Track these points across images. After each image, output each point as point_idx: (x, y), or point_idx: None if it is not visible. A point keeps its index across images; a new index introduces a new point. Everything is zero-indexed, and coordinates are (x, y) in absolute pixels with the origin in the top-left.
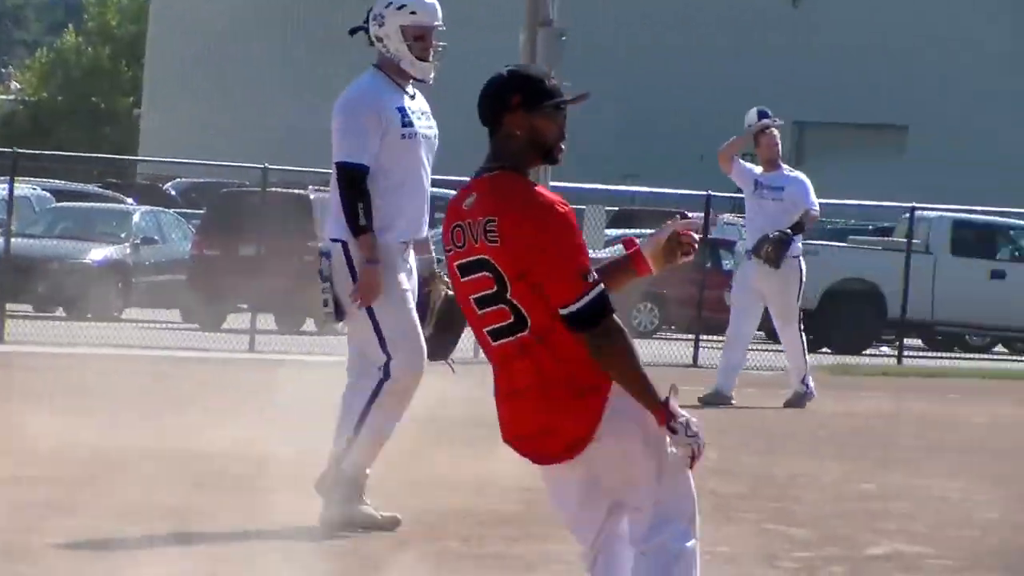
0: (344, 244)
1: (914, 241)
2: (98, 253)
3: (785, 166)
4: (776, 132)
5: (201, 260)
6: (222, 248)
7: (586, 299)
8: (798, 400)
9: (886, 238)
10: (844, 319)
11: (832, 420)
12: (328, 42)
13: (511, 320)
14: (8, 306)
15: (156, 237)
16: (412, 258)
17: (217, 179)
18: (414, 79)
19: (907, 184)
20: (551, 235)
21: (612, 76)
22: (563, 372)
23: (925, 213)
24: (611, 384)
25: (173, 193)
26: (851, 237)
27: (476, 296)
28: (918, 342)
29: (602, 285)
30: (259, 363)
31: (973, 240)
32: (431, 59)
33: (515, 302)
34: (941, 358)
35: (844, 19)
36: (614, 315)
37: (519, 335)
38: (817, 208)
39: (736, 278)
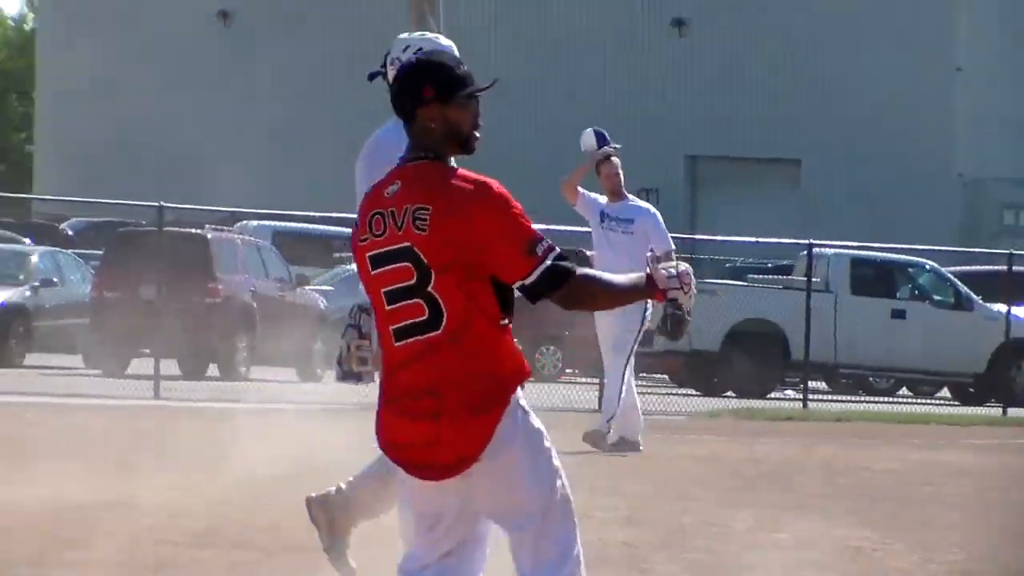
0: None
1: (814, 280)
2: None
3: (630, 196)
4: (617, 160)
5: (102, 303)
6: (123, 290)
7: (539, 271)
8: (597, 438)
9: (786, 277)
10: (747, 362)
11: (741, 466)
12: (220, 74)
13: (424, 317)
14: None
15: (55, 279)
16: None
17: (114, 218)
18: None
19: (801, 218)
20: (493, 215)
21: (527, 118)
22: (466, 381)
23: (823, 250)
24: (506, 406)
25: (70, 233)
26: (750, 276)
27: (389, 289)
28: (823, 384)
29: (556, 250)
30: (165, 410)
31: (873, 278)
32: None
33: (435, 295)
34: (846, 401)
35: (732, 51)
36: (576, 273)
37: (429, 335)
38: (672, 245)
39: (597, 324)
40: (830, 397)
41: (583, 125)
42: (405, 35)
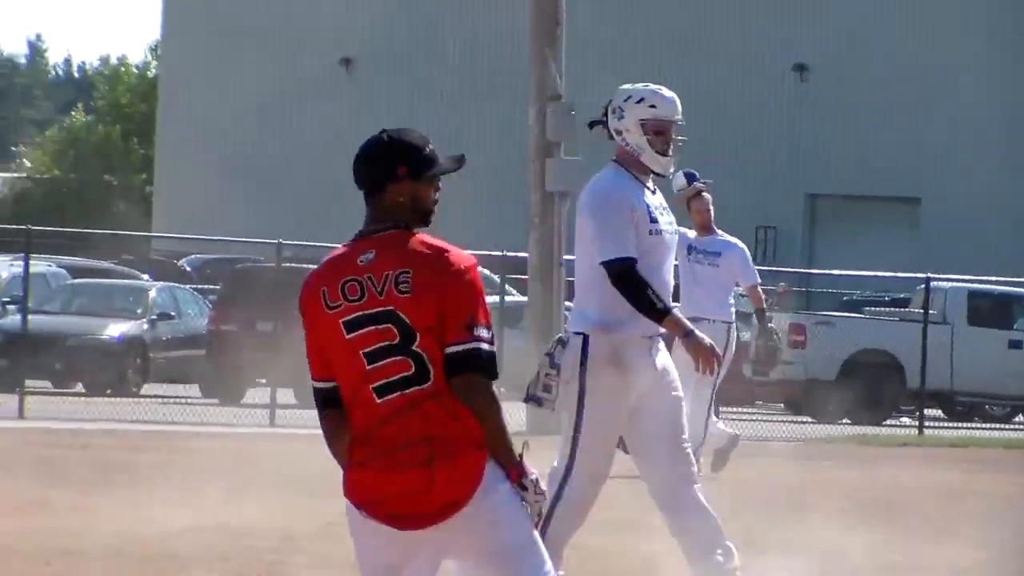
0: (585, 337)
1: (930, 312)
2: (115, 329)
3: (719, 231)
4: (708, 196)
5: (219, 335)
6: (239, 324)
7: (468, 345)
8: None
9: (903, 309)
10: (863, 390)
11: (856, 490)
12: (340, 117)
13: (411, 371)
14: (27, 382)
15: (172, 313)
16: (663, 353)
17: (231, 255)
18: (654, 174)
19: (921, 255)
20: (461, 283)
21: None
22: (454, 429)
23: (940, 284)
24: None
25: (188, 269)
26: (867, 308)
27: (371, 349)
28: (938, 412)
29: (494, 348)
30: (280, 437)
31: (989, 310)
32: (671, 153)
33: (420, 352)
34: (962, 428)
35: (852, 94)
36: (492, 379)
37: (416, 388)
38: (759, 279)
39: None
40: (946, 424)
41: (700, 166)
42: (628, 85)
